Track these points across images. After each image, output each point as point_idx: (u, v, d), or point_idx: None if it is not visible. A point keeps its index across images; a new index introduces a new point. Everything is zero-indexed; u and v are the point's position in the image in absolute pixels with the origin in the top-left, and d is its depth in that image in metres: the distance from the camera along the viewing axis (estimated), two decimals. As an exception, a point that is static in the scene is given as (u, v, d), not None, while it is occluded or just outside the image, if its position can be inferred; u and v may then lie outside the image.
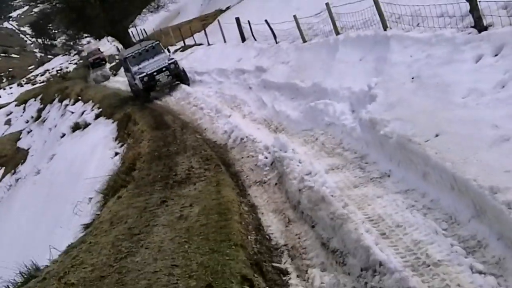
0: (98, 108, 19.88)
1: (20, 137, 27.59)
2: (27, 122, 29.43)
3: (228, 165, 7.77)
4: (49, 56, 57.41)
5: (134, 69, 17.21)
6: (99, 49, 35.57)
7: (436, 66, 5.95)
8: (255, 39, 15.60)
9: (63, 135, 19.61)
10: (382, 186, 4.85)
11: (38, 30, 60.80)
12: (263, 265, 3.97)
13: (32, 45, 72.57)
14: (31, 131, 27.26)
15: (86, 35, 40.04)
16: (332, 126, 7.16)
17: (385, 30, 8.27)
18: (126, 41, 29.93)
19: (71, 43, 61.65)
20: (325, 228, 4.37)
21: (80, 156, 15.88)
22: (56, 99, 27.66)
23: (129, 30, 31.28)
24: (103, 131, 16.71)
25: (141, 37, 30.50)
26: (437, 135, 4.62)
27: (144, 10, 31.56)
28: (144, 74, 16.63)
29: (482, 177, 3.63)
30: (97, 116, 18.76)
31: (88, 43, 54.49)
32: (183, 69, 17.19)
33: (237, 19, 17.35)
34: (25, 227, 13.96)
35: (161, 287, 3.32)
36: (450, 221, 3.82)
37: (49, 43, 54.92)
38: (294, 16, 12.07)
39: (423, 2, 7.47)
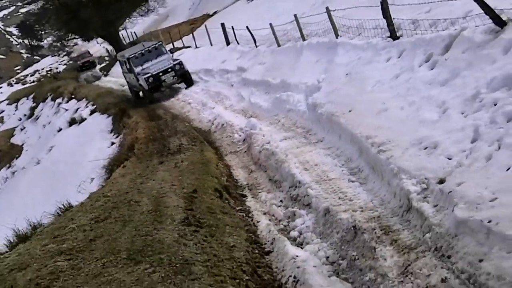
0: (93, 105, 22.13)
1: (14, 133, 29.68)
2: (20, 119, 31.52)
3: (211, 142, 10.21)
4: (36, 57, 59.47)
5: (137, 69, 17.56)
6: (88, 51, 37.09)
7: (362, 65, 8.46)
8: (238, 43, 18.10)
9: (60, 129, 21.83)
10: (314, 146, 7.33)
11: (25, 31, 62.81)
12: (230, 191, 6.42)
13: (18, 46, 74.56)
14: (24, 128, 29.38)
15: (76, 36, 42.06)
16: (291, 111, 9.62)
17: (336, 37, 10.79)
18: (117, 43, 32.26)
19: (58, 44, 63.69)
20: (272, 170, 6.84)
21: (78, 146, 18.17)
22: (49, 98, 29.81)
23: (120, 33, 33.55)
24: (99, 125, 18.98)
25: (132, 40, 32.88)
26: (350, 111, 7.12)
27: (134, 13, 33.83)
28: (149, 74, 16.99)
29: (364, 132, 6.12)
30: (92, 112, 21.00)
31: (76, 45, 56.33)
32: (187, 70, 17.66)
33: (223, 25, 19.84)
34: (31, 206, 16.12)
35: (165, 191, 5.76)
36: (347, 160, 6.31)
37: (36, 44, 56.97)
38: (270, 24, 14.57)
39: (365, 17, 9.97)
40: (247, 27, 16.61)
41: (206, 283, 3.57)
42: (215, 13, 31.94)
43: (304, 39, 12.72)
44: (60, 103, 27.38)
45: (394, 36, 8.43)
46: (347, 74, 8.67)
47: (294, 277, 4.03)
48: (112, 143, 15.87)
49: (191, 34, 25.32)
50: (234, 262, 4.06)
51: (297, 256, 4.29)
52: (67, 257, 4.13)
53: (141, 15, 35.10)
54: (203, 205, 5.25)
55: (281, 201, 5.96)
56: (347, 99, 7.57)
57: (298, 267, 4.09)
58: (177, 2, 44.27)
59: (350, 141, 6.49)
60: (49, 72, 46.38)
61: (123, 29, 35.11)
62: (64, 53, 53.32)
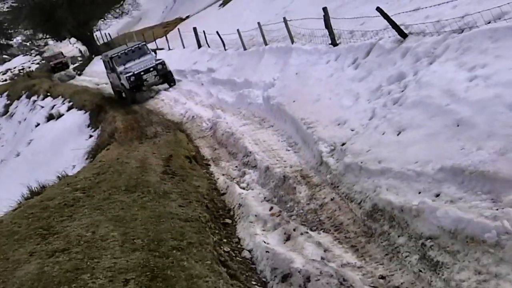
0: (69, 102, 23.80)
1: (-12, 130, 30.95)
2: (-6, 117, 32.77)
3: (182, 130, 12.20)
4: (5, 56, 60.31)
5: (120, 69, 18.09)
6: (62, 53, 38.11)
7: (308, 66, 10.62)
8: (209, 46, 20.18)
9: (38, 124, 23.45)
10: (266, 129, 9.44)
11: (-6, 30, 63.55)
12: (198, 160, 8.46)
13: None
14: (-1, 124, 30.75)
15: (47, 36, 43.30)
16: (251, 104, 11.70)
17: (292, 43, 12.96)
18: (91, 44, 33.89)
19: (28, 43, 64.59)
20: (231, 146, 8.92)
21: (57, 140, 19.89)
22: (24, 96, 31.24)
23: (94, 34, 35.20)
24: (77, 120, 20.70)
25: (105, 41, 34.57)
26: (293, 101, 9.25)
27: (108, 15, 35.54)
28: (131, 73, 17.53)
29: (301, 116, 8.25)
30: (69, 108, 22.70)
31: (47, 45, 57.35)
32: (170, 70, 18.28)
33: (195, 29, 21.90)
34: (14, 193, 17.72)
35: (148, 156, 7.76)
36: (288, 137, 8.43)
37: (5, 43, 57.87)
38: (238, 30, 16.67)
39: (317, 27, 12.14)
40: (217, 32, 18.69)
41: (179, 202, 5.60)
42: (187, 17, 33.96)
43: (266, 44, 14.86)
44: (35, 101, 28.86)
45: (334, 43, 10.63)
46: (296, 73, 10.82)
47: (239, 204, 6.09)
48: (90, 136, 17.68)
49: (164, 37, 27.29)
50: (199, 194, 6.11)
51: (242, 193, 6.37)
52: (82, 192, 6.09)
53: (115, 17, 36.83)
54: (177, 164, 7.28)
55: (236, 166, 8.04)
56: (293, 93, 9.71)
57: (242, 198, 6.16)
58: (150, 5, 46.15)
59: (291, 124, 8.62)
60: (21, 71, 47.51)
61: (97, 30, 36.73)
62: (36, 53, 54.49)
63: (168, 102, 16.46)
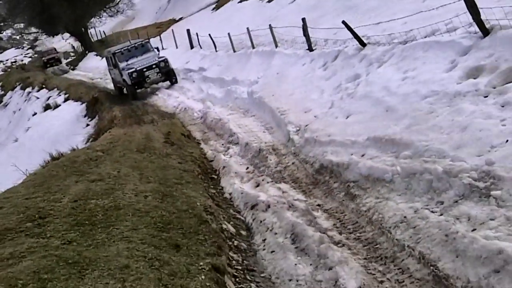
0: (65, 94, 25.69)
1: (-18, 119, 32.64)
2: (-12, 106, 34.48)
3: (176, 119, 14.23)
4: (-5, 49, 62.02)
5: (122, 65, 18.55)
6: (55, 49, 39.81)
7: (287, 67, 12.72)
8: (201, 47, 22.26)
9: (35, 113, 25.31)
10: (248, 118, 11.51)
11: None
12: (191, 138, 10.50)
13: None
14: (-8, 113, 32.46)
15: (38, 31, 45.01)
16: (237, 99, 13.75)
17: (276, 47, 15.06)
18: (85, 40, 35.79)
19: (18, 37, 66.14)
20: (219, 129, 10.98)
21: (55, 127, 21.78)
22: (18, 87, 33.05)
23: (89, 31, 37.13)
24: (74, 110, 22.61)
25: (100, 38, 36.48)
26: (272, 95, 11.33)
27: (104, 13, 37.52)
28: (133, 69, 18.02)
29: (277, 106, 10.34)
30: (66, 99, 24.61)
31: (37, 40, 58.89)
32: (172, 68, 18.88)
33: (188, 30, 23.99)
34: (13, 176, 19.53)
35: (149, 132, 9.78)
36: (266, 123, 10.50)
37: (-6, 35, 59.61)
38: (228, 34, 18.76)
39: (300, 34, 14.25)
40: (209, 34, 20.77)
41: (178, 160, 7.64)
42: (181, 19, 36.02)
43: (253, 47, 16.96)
44: (30, 92, 30.70)
45: (310, 49, 12.75)
46: (277, 73, 12.92)
47: (223, 166, 8.15)
48: (87, 125, 19.62)
49: (158, 36, 29.32)
50: (193, 157, 8.15)
51: (226, 159, 8.43)
52: (101, 152, 8.09)
53: (110, 16, 38.80)
54: (175, 137, 9.32)
55: (222, 144, 10.08)
56: (273, 89, 11.80)
57: (225, 162, 8.21)
58: (143, 5, 48.20)
59: (269, 113, 10.70)
60: (13, 63, 49.20)
61: (91, 28, 38.64)
62: (29, 46, 56.18)
63: (162, 96, 18.44)
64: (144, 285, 3.63)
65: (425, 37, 8.87)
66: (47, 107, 24.62)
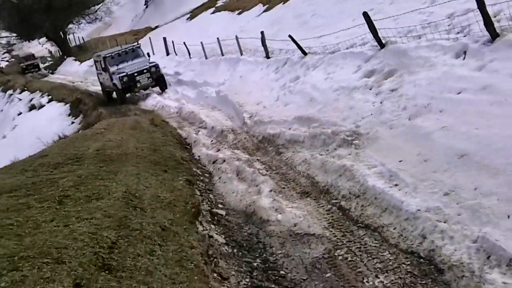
0: (48, 95, 28.78)
1: (-38, 119, 35.34)
2: (-32, 108, 37.17)
3: (153, 118, 17.60)
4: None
5: (113, 69, 19.49)
6: (33, 55, 42.58)
7: (249, 72, 16.25)
8: (176, 54, 25.70)
9: (20, 113, 28.32)
10: (215, 111, 14.98)
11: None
12: (169, 125, 13.92)
13: None
14: (-27, 115, 35.20)
15: (19, 37, 47.76)
16: (207, 97, 17.20)
17: (241, 55, 18.60)
18: (64, 46, 38.90)
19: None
20: (191, 119, 14.44)
21: (41, 125, 24.81)
22: (-1, 89, 35.94)
23: (68, 36, 40.25)
24: (58, 110, 25.72)
25: (78, 43, 39.61)
26: (235, 94, 14.84)
27: (82, 20, 40.70)
28: (124, 74, 18.99)
29: (238, 101, 13.84)
30: (49, 100, 27.71)
31: (11, 44, 61.19)
32: (163, 73, 20.05)
33: (164, 39, 27.41)
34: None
35: (137, 119, 13.16)
36: (228, 114, 13.98)
37: (-33, 38, 62.08)
38: (201, 42, 22.26)
39: (259, 44, 17.80)
40: (184, 42, 24.25)
41: (161, 135, 11.04)
42: (156, 27, 39.45)
43: (223, 55, 20.49)
44: (11, 94, 33.65)
45: (268, 56, 16.31)
46: (240, 76, 16.44)
47: (194, 141, 11.58)
48: (72, 123, 22.76)
49: (135, 43, 32.62)
50: (172, 134, 11.57)
51: (196, 137, 11.87)
52: (103, 129, 11.42)
53: (89, 22, 41.98)
54: (157, 122, 12.74)
55: (194, 129, 13.49)
56: (236, 88, 15.31)
57: (196, 138, 11.66)
58: (120, 13, 51.54)
59: (232, 107, 14.17)
60: (-11, 67, 52.01)
61: (69, 34, 41.77)
62: (5, 50, 58.78)
63: (141, 97, 21.77)
64: (152, 182, 7.03)
65: (346, 48, 12.48)
66: (32, 107, 27.60)
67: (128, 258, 4.43)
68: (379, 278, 4.85)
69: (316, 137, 9.02)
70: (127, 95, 20.04)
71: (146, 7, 48.59)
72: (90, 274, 3.94)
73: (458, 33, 9.50)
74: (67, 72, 36.49)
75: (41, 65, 41.75)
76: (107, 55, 20.58)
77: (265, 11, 25.42)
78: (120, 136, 10.09)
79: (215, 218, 6.91)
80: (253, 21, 25.39)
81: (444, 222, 5.26)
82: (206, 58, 22.17)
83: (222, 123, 12.98)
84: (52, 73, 38.16)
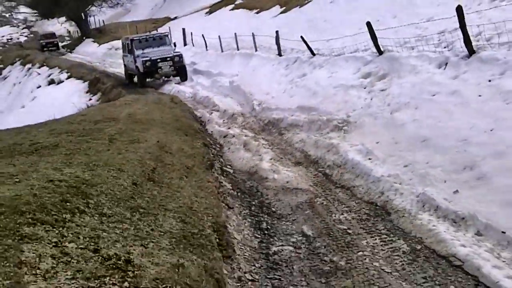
0: (67, 72, 30.73)
1: (-20, 88, 37.41)
2: (-14, 77, 39.27)
3: (173, 97, 19.52)
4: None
5: (138, 52, 20.39)
6: (54, 33, 44.61)
7: (260, 66, 18.16)
8: (193, 45, 27.62)
9: (39, 86, 30.28)
10: (227, 98, 16.88)
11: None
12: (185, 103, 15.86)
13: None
14: (-9, 84, 37.28)
15: (33, 12, 49.79)
16: (221, 86, 19.09)
17: (255, 51, 20.51)
18: (84, 27, 40.90)
19: (7, 15, 70.56)
20: (205, 103, 16.35)
21: (60, 98, 26.77)
22: (18, 62, 37.95)
23: (88, 18, 42.28)
24: (77, 86, 27.66)
25: (97, 26, 41.60)
26: (247, 84, 16.74)
27: (104, 3, 42.71)
28: (148, 58, 19.79)
29: (249, 90, 15.75)
30: (68, 77, 29.66)
31: (26, 20, 63.22)
32: (185, 64, 20.78)
33: (183, 29, 29.36)
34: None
35: (159, 97, 15.08)
36: (240, 101, 15.88)
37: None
38: (219, 36, 24.19)
39: (274, 42, 19.71)
40: (202, 35, 26.19)
41: (180, 110, 12.95)
42: (175, 17, 41.41)
43: (238, 49, 22.41)
44: (30, 68, 35.66)
45: (280, 54, 18.21)
46: (253, 70, 18.35)
47: (208, 119, 13.48)
48: (90, 99, 24.68)
49: (154, 31, 34.60)
50: (189, 111, 13.47)
51: (210, 117, 13.76)
52: (129, 101, 13.32)
53: (110, 7, 43.99)
54: (177, 100, 14.66)
55: (207, 111, 15.39)
56: (248, 80, 17.22)
57: (210, 117, 13.55)
58: (139, 0, 53.60)
59: (243, 95, 16.07)
60: (9, 40, 53.99)
61: (91, 16, 43.80)
62: (24, 26, 60.91)
63: (159, 83, 23.70)
64: (176, 140, 8.92)
65: (350, 53, 14.38)
66: (51, 82, 29.55)
67: (165, 178, 6.34)
68: (343, 215, 6.74)
69: (313, 123, 10.92)
70: (148, 79, 21.06)
71: (167, -3, 50.69)
72: (141, 181, 5.85)
73: (445, 47, 11.40)
74: (85, 53, 38.47)
75: (60, 44, 43.73)
76: (135, 38, 21.75)
77: (281, 12, 27.32)
78: (146, 107, 12.01)
79: (224, 173, 8.81)
80: (270, 20, 27.29)
81: (399, 184, 7.14)
82: (222, 51, 24.10)
83: (233, 108, 14.87)
84: (71, 52, 40.13)
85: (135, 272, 3.84)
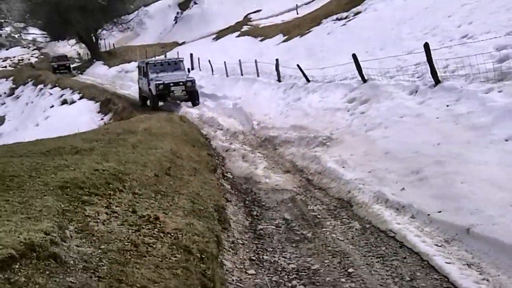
0: (79, 93, 33.07)
1: (-7, 106, 39.80)
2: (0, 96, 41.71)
3: (181, 116, 21.71)
4: (-3, 45, 69.64)
5: (152, 76, 21.67)
6: (66, 56, 46.98)
7: (261, 90, 20.41)
8: (200, 69, 29.99)
9: (52, 106, 32.60)
10: (230, 118, 19.06)
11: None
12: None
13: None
14: (4, 103, 39.68)
15: (43, 33, 52.41)
16: (225, 108, 21.28)
17: (257, 76, 22.77)
18: (94, 49, 43.45)
19: (16, 36, 73.59)
20: (211, 123, 18.55)
21: (73, 118, 28.98)
22: (30, 82, 40.40)
23: (99, 41, 44.88)
24: (89, 107, 29.93)
25: (108, 49, 44.17)
26: (248, 106, 18.94)
27: (114, 27, 45.32)
28: (161, 82, 21.02)
29: (250, 111, 17.95)
30: (81, 97, 31.97)
31: (35, 41, 65.87)
32: (197, 90, 22.03)
33: (191, 54, 31.76)
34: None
35: (169, 116, 17.29)
36: (241, 121, 18.06)
37: (-5, 32, 67.28)
38: (224, 62, 26.54)
39: (274, 68, 21.98)
40: (209, 60, 28.56)
41: (188, 127, 15.12)
42: (183, 42, 43.96)
43: (242, 74, 24.71)
44: (42, 88, 38.05)
45: (279, 79, 20.45)
46: (254, 94, 20.58)
47: (213, 136, 15.63)
48: (102, 119, 26.92)
49: (163, 56, 37.07)
50: (196, 129, 15.63)
51: (214, 134, 15.91)
52: (143, 119, 15.50)
53: (120, 31, 46.63)
54: (185, 119, 16.83)
55: (212, 129, 17.55)
56: (249, 102, 19.43)
57: (214, 134, 15.70)
58: (149, 24, 56.33)
59: (244, 116, 18.25)
60: (21, 61, 56.76)
61: (101, 39, 46.43)
62: (34, 47, 63.78)
63: (169, 106, 25.95)
64: (186, 149, 11.06)
65: (340, 80, 16.59)
66: (64, 102, 31.85)
67: (178, 174, 8.46)
68: (316, 206, 8.83)
69: (303, 139, 13.06)
70: (160, 103, 22.38)
71: (175, 22, 53.39)
72: (161, 174, 7.98)
73: (418, 77, 13.57)
74: (96, 75, 40.94)
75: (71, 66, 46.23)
76: (150, 62, 23.35)
77: (284, 41, 29.74)
78: (159, 123, 14.18)
79: (225, 177, 10.93)
80: (273, 48, 29.69)
81: (363, 185, 9.23)
82: (227, 76, 26.42)
83: (235, 127, 17.05)
84: (81, 74, 42.62)
85: (161, 224, 5.94)
